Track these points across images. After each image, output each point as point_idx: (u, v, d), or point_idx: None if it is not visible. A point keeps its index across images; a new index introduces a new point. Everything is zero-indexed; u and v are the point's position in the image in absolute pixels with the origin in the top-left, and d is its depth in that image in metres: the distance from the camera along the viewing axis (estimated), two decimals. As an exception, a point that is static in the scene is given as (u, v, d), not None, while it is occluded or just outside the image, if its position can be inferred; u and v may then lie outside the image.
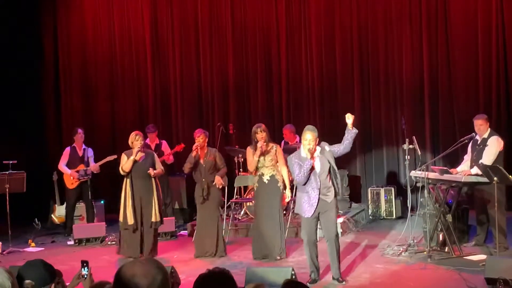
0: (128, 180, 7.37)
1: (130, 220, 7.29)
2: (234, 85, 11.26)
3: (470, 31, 9.96)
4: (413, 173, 7.23)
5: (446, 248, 6.95)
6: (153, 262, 2.36)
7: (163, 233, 8.49)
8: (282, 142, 9.62)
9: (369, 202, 9.77)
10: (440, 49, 10.11)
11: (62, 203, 9.67)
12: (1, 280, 2.92)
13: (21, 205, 9.13)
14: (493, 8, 9.71)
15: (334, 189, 6.02)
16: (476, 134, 7.14)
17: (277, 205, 7.22)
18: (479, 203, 7.14)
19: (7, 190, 8.38)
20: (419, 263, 6.62)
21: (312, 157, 5.89)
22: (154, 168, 7.44)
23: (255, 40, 11.15)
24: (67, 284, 3.80)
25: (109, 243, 8.52)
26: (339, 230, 7.60)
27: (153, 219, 7.33)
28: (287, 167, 7.45)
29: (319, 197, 5.93)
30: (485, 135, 7.04)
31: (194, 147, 7.44)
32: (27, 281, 3.24)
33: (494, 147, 6.91)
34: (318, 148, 5.99)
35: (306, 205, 5.98)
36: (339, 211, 7.93)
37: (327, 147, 6.04)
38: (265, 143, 7.16)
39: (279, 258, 7.12)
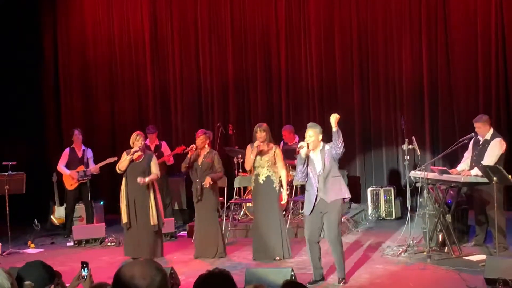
0: (125, 179, 7.38)
1: (124, 219, 7.30)
2: (234, 86, 11.27)
3: (469, 32, 9.96)
4: (413, 174, 7.23)
5: (446, 248, 6.95)
6: (152, 263, 2.36)
7: (163, 234, 8.47)
8: (281, 143, 9.62)
9: (369, 202, 9.76)
10: (440, 49, 10.11)
11: (61, 204, 9.67)
12: (1, 280, 2.92)
13: (20, 206, 9.13)
14: (492, 8, 9.71)
15: (338, 189, 5.99)
16: (476, 134, 7.12)
17: (273, 206, 7.19)
18: (478, 203, 7.14)
19: (6, 191, 8.37)
20: (419, 264, 6.62)
21: (308, 151, 5.89)
22: (149, 169, 7.39)
23: (254, 40, 11.15)
24: (67, 285, 3.80)
25: (108, 244, 8.52)
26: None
27: (151, 223, 7.28)
28: (286, 168, 7.47)
29: (317, 196, 5.92)
30: (487, 136, 7.01)
31: (190, 147, 7.45)
32: (26, 282, 3.25)
33: (496, 149, 6.87)
34: (322, 145, 5.99)
35: (307, 203, 6.03)
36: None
37: (329, 144, 6.02)
38: (262, 143, 7.15)
39: (278, 258, 7.12)
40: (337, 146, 5.89)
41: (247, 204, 9.04)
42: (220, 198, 8.73)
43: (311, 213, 5.98)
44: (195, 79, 11.47)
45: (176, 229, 8.97)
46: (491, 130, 7.07)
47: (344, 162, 9.52)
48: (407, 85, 10.34)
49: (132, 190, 7.32)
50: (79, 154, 9.44)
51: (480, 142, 7.05)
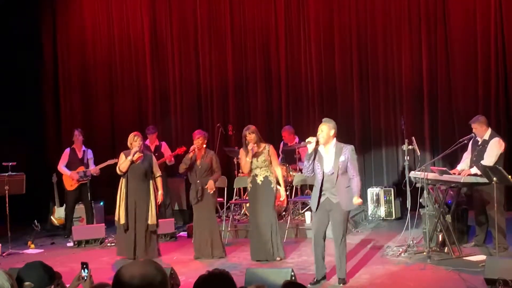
0: (124, 180, 7.37)
1: (122, 220, 7.29)
2: (234, 86, 11.27)
3: (469, 32, 9.97)
4: (413, 174, 7.22)
5: (446, 248, 6.95)
6: (152, 264, 2.36)
7: (163, 234, 8.48)
8: (281, 143, 9.63)
9: (369, 203, 9.76)
10: (439, 50, 10.11)
11: (61, 205, 9.67)
12: (0, 282, 2.92)
13: (20, 206, 9.12)
14: (491, 8, 9.72)
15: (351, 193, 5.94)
16: (475, 135, 7.13)
17: (270, 206, 7.18)
18: (478, 203, 7.14)
19: (6, 191, 8.37)
20: (419, 264, 6.62)
21: (316, 145, 5.85)
22: (151, 170, 7.42)
23: (254, 41, 11.16)
24: (67, 285, 3.80)
25: (108, 244, 8.52)
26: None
27: (149, 222, 7.26)
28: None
29: (320, 193, 5.90)
30: (486, 137, 7.02)
31: (191, 148, 7.45)
32: (26, 283, 3.24)
33: (495, 148, 6.89)
34: (339, 146, 5.91)
35: (312, 198, 6.04)
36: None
37: (346, 154, 5.89)
38: (255, 145, 7.15)
39: (279, 259, 7.12)
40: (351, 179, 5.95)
41: (247, 205, 9.03)
42: (220, 199, 8.75)
43: (317, 209, 5.95)
44: (195, 79, 11.48)
45: (176, 229, 8.97)
46: (489, 130, 7.08)
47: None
48: (406, 85, 10.34)
49: (132, 191, 7.31)
50: (80, 155, 9.44)
51: (479, 143, 7.06)
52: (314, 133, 10.68)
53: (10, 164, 8.60)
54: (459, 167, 7.16)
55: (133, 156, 7.26)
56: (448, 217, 6.96)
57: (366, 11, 10.52)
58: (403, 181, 7.48)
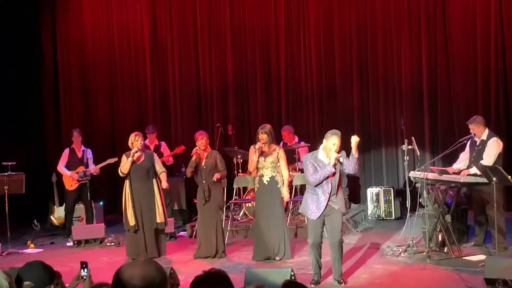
0: (127, 181, 7.38)
1: (131, 221, 7.30)
2: (233, 86, 11.27)
3: (468, 32, 9.97)
4: (412, 174, 7.23)
5: (445, 248, 6.95)
6: (152, 264, 2.36)
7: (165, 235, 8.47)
8: (281, 143, 9.62)
9: (368, 202, 9.76)
10: (439, 50, 10.11)
11: (61, 205, 9.66)
12: None
13: (20, 206, 9.12)
14: (491, 9, 9.72)
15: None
16: (474, 135, 7.13)
17: (277, 206, 7.20)
18: (478, 203, 7.14)
19: (6, 191, 8.37)
20: (418, 264, 6.62)
21: (334, 164, 5.82)
22: (154, 169, 7.43)
23: (254, 41, 11.16)
24: (67, 285, 3.80)
25: (108, 244, 8.51)
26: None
27: (158, 220, 7.32)
28: (289, 169, 7.47)
29: (327, 203, 5.91)
30: (484, 137, 7.03)
31: (193, 151, 7.43)
32: (26, 283, 3.24)
33: (494, 148, 6.91)
34: (343, 154, 5.95)
35: (314, 207, 5.94)
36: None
37: (344, 159, 5.96)
38: (263, 145, 7.15)
39: (278, 259, 7.12)
40: (351, 167, 5.92)
41: (247, 205, 9.04)
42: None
43: (318, 217, 5.95)
44: (195, 79, 11.47)
45: (175, 229, 8.96)
46: (486, 130, 7.09)
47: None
48: (406, 85, 10.34)
49: (136, 192, 7.33)
50: (79, 155, 9.44)
51: (477, 143, 7.07)
52: (313, 133, 10.75)
53: (10, 163, 8.60)
54: (455, 166, 7.18)
55: (133, 156, 7.26)
56: (448, 217, 6.96)
57: (366, 11, 10.52)
58: (402, 181, 7.47)
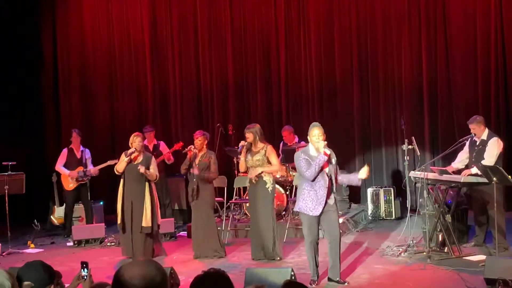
0: (122, 180, 7.38)
1: (118, 220, 7.33)
2: (234, 86, 11.27)
3: (469, 33, 9.97)
4: (412, 174, 7.23)
5: (446, 248, 6.95)
6: (152, 263, 2.36)
7: (163, 234, 8.47)
8: (281, 143, 9.64)
9: (369, 202, 9.76)
10: (439, 50, 10.11)
11: (61, 204, 9.67)
12: (1, 280, 2.92)
13: (20, 206, 9.11)
14: (491, 10, 9.72)
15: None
16: (475, 134, 7.12)
17: (266, 206, 7.14)
18: (478, 203, 7.14)
19: (6, 191, 8.37)
20: (419, 264, 6.62)
21: (325, 153, 5.83)
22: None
23: (254, 41, 11.16)
24: (67, 285, 3.80)
25: (108, 244, 8.52)
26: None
27: (143, 224, 7.24)
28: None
29: (328, 194, 5.90)
30: (484, 136, 7.03)
31: (188, 148, 7.44)
32: (26, 283, 3.24)
33: (495, 148, 6.90)
34: (330, 150, 5.96)
35: (314, 203, 5.89)
36: (339, 212, 7.91)
37: (334, 158, 6.02)
38: (246, 143, 7.14)
39: (278, 259, 7.12)
40: (339, 177, 6.08)
41: (247, 204, 9.03)
42: (220, 198, 8.74)
43: (319, 213, 5.94)
44: (195, 79, 11.47)
45: (176, 229, 8.96)
46: (486, 130, 7.09)
47: (343, 163, 9.53)
48: (406, 85, 10.34)
49: (129, 192, 7.32)
50: (78, 155, 9.43)
51: (477, 143, 7.06)
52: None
53: (10, 163, 8.60)
54: (454, 165, 7.18)
55: (130, 156, 7.25)
56: (448, 217, 6.96)
57: (366, 11, 10.52)
58: (403, 181, 7.47)
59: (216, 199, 8.16)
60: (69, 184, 9.33)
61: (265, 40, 11.12)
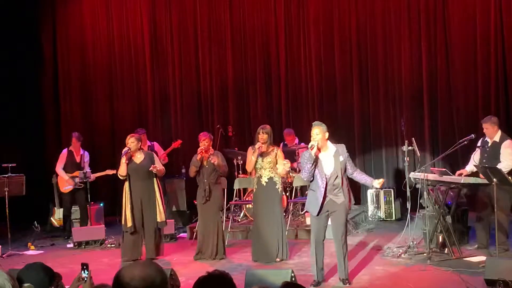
0: (127, 182, 7.39)
1: (129, 223, 7.32)
2: (234, 87, 11.27)
3: (468, 33, 9.97)
4: (413, 175, 7.22)
5: (446, 249, 6.95)
6: (152, 265, 2.36)
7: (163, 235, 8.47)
8: (281, 144, 9.65)
9: (369, 203, 9.76)
10: (439, 51, 10.11)
11: (61, 206, 9.66)
12: (2, 282, 2.92)
13: (20, 208, 9.11)
14: (491, 10, 9.72)
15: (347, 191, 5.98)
16: (475, 135, 7.07)
17: (275, 207, 7.18)
18: (483, 205, 7.02)
19: (6, 193, 8.37)
20: (419, 265, 6.61)
21: (317, 151, 5.83)
22: None
23: (254, 42, 11.16)
24: (67, 287, 3.80)
25: (108, 245, 8.52)
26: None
27: (158, 219, 7.38)
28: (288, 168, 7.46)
29: (324, 196, 5.88)
30: (496, 138, 6.94)
31: (199, 150, 7.43)
32: (26, 285, 3.24)
33: (510, 151, 6.77)
34: (333, 148, 5.95)
35: (313, 203, 5.96)
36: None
37: (344, 154, 5.97)
38: (263, 144, 7.15)
39: (278, 260, 7.11)
40: (354, 173, 6.05)
41: (247, 206, 9.04)
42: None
43: (318, 213, 5.95)
44: (195, 80, 11.48)
45: (176, 230, 8.96)
46: (499, 132, 6.99)
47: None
48: (406, 86, 10.34)
49: (136, 192, 7.34)
50: (77, 159, 9.41)
51: (489, 144, 6.98)
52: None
53: (10, 165, 8.60)
54: (468, 168, 7.09)
55: (125, 155, 7.26)
56: (449, 218, 6.95)
57: (366, 11, 10.52)
58: (403, 182, 7.46)
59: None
60: (65, 187, 9.31)
61: (265, 40, 11.12)
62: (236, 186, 8.92)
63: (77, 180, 9.22)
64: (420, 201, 7.38)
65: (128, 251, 7.40)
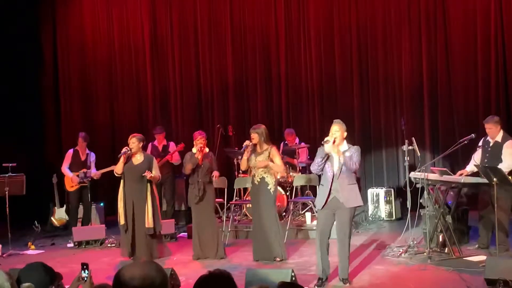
0: (122, 181, 7.38)
1: (122, 220, 7.31)
2: (234, 87, 11.27)
3: (469, 32, 9.97)
4: (413, 174, 7.21)
5: (446, 249, 6.95)
6: (153, 265, 2.37)
7: (163, 235, 8.47)
8: (282, 144, 9.67)
9: (369, 203, 9.76)
10: (439, 50, 10.11)
11: (61, 206, 9.67)
12: (1, 281, 2.92)
13: (20, 207, 9.12)
14: (491, 10, 9.72)
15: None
16: (475, 135, 7.07)
17: (268, 207, 7.10)
18: (484, 205, 7.02)
19: (6, 192, 8.37)
20: (419, 264, 6.61)
21: (334, 147, 5.82)
22: (150, 171, 7.40)
23: (254, 42, 11.16)
24: (67, 286, 3.80)
25: (109, 245, 8.52)
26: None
27: (146, 225, 7.25)
28: (286, 168, 7.46)
29: (330, 192, 5.88)
30: (498, 138, 6.92)
31: (198, 148, 7.42)
32: (26, 284, 3.24)
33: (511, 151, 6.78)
34: (346, 147, 5.94)
35: (319, 197, 6.01)
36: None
37: (351, 151, 5.94)
38: (251, 143, 7.12)
39: (278, 259, 7.10)
40: (348, 162, 5.93)
41: (247, 205, 9.03)
42: (220, 199, 8.74)
43: (323, 207, 5.93)
44: (195, 80, 11.48)
45: (176, 230, 8.96)
46: (502, 131, 6.96)
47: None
48: (406, 86, 10.34)
49: (130, 192, 7.31)
50: (82, 158, 9.43)
51: (491, 144, 6.96)
52: (313, 133, 10.78)
53: (10, 165, 8.60)
54: (468, 168, 7.07)
55: (122, 155, 7.26)
56: (449, 218, 6.95)
57: (366, 11, 10.52)
58: (403, 181, 7.46)
59: (217, 200, 8.17)
60: (71, 185, 9.34)
61: (265, 40, 11.12)
62: (236, 185, 8.93)
63: (81, 175, 9.24)
64: (421, 200, 7.37)
65: (125, 250, 7.42)
